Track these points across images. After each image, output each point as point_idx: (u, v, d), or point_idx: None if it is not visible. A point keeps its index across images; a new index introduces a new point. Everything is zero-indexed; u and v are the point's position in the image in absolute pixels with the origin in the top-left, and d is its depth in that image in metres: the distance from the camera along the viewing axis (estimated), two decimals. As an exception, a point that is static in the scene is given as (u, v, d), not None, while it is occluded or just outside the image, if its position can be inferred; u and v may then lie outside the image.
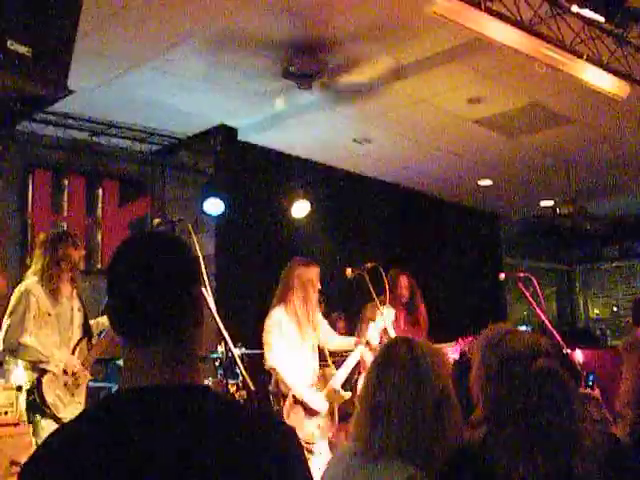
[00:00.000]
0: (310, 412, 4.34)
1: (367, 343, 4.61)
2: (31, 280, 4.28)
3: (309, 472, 1.27)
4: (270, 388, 4.48)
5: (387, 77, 5.87)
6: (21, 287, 4.25)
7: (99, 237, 7.00)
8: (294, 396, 4.28)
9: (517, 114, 6.68)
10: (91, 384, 4.54)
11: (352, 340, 4.77)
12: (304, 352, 4.49)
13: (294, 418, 4.23)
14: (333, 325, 5.41)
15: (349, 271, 5.03)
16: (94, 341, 4.46)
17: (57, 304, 4.30)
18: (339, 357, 4.88)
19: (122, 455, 1.13)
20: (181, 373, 1.24)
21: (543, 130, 7.16)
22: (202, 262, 3.34)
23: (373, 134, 7.26)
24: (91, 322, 4.53)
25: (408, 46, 5.32)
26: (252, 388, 3.63)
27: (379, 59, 5.52)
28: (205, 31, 4.98)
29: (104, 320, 4.46)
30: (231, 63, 5.47)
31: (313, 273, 4.57)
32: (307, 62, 5.29)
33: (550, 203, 9.90)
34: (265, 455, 1.19)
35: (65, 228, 4.54)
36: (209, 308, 3.43)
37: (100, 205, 7.06)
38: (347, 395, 4.48)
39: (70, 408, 4.19)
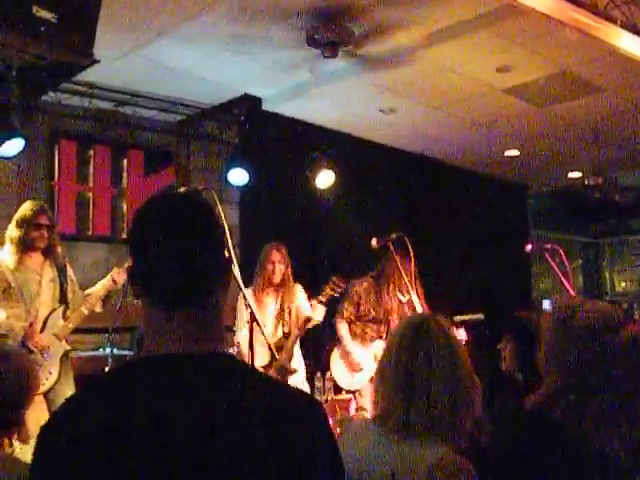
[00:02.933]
0: None
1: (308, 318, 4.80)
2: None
3: (336, 445, 1.23)
4: None
5: (414, 45, 5.75)
6: None
7: (124, 207, 7.05)
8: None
9: (547, 83, 6.53)
10: (116, 352, 4.56)
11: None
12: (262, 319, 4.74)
13: None
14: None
15: (374, 241, 5.03)
16: (69, 313, 4.44)
17: (20, 276, 4.29)
18: None
19: (140, 422, 1.10)
20: (205, 340, 1.20)
21: (573, 99, 7.00)
22: (227, 232, 3.36)
23: (399, 104, 7.16)
24: (88, 291, 4.50)
25: (435, 13, 5.20)
26: (277, 356, 3.66)
27: (406, 27, 5.41)
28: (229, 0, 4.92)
29: (98, 289, 4.46)
30: (255, 32, 5.41)
31: (268, 253, 4.91)
32: (332, 29, 5.21)
33: (579, 174, 9.74)
34: (292, 424, 1.16)
35: (40, 206, 4.43)
36: (235, 278, 3.43)
37: (125, 175, 7.10)
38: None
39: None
